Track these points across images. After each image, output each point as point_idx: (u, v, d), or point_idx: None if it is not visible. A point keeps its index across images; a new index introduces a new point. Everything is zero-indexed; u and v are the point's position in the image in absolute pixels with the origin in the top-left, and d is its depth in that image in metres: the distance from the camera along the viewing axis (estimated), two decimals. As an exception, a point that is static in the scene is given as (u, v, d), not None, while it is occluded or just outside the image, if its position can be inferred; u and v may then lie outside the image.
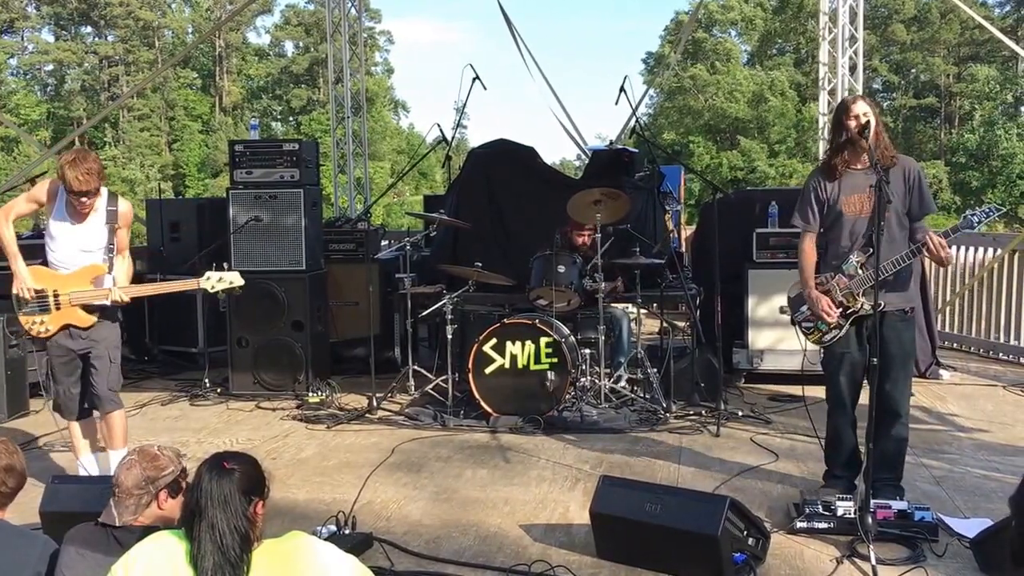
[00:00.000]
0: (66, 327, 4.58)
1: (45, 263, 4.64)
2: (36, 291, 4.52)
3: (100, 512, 2.86)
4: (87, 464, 4.81)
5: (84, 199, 4.43)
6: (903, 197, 4.19)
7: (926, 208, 4.24)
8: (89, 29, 54.54)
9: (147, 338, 8.51)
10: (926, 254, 4.09)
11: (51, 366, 4.67)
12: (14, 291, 4.56)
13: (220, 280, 4.78)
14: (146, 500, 2.82)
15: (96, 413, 4.83)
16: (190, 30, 54.62)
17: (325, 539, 3.41)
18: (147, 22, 52.77)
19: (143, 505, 2.82)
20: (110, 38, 53.86)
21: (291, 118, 53.90)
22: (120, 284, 4.63)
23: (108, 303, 4.56)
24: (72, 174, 4.34)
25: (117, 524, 2.80)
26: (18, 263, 4.55)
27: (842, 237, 4.28)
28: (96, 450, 4.89)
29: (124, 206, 4.70)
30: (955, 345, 8.68)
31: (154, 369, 8.22)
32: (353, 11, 11.73)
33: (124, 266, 4.74)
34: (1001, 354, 8.21)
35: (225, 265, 5.17)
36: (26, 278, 4.53)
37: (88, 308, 4.58)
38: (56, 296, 4.54)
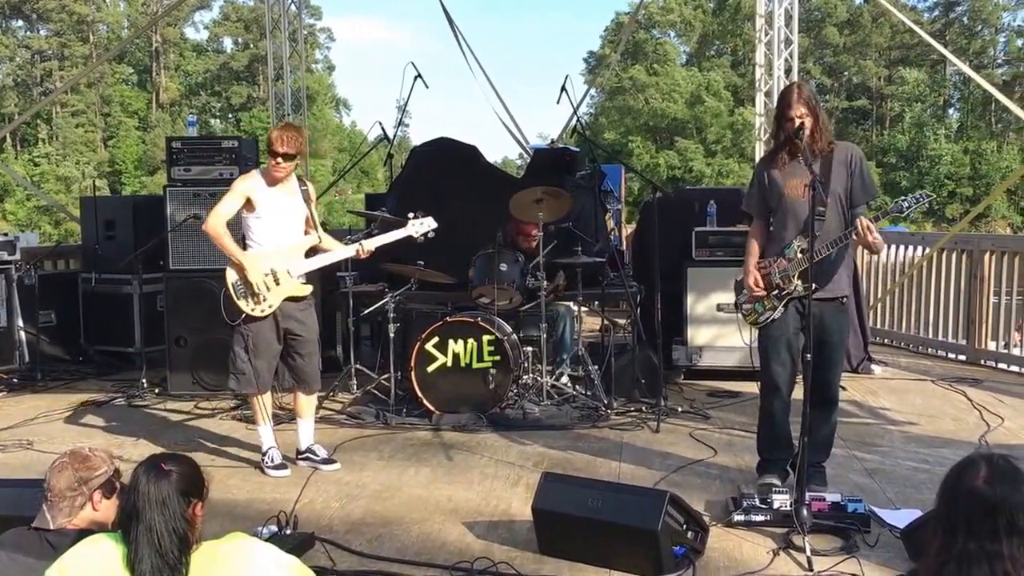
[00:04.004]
0: (285, 301, 4.95)
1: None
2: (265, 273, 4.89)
3: (33, 516, 2.80)
4: (266, 433, 5.15)
5: (282, 161, 4.87)
6: (844, 183, 4.30)
7: (868, 192, 4.39)
8: (21, 23, 53.04)
9: (82, 338, 8.32)
10: (855, 238, 4.20)
11: (254, 343, 4.94)
12: (231, 282, 4.91)
13: (422, 224, 5.27)
14: (79, 502, 2.76)
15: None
16: (126, 25, 53.40)
17: (266, 539, 3.40)
18: (81, 16, 51.50)
19: (76, 507, 2.76)
20: (43, 32, 52.49)
21: (230, 115, 53.11)
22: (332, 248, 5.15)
23: (360, 256, 5.16)
24: (276, 134, 4.87)
25: (51, 528, 2.73)
26: (245, 256, 4.91)
27: (787, 220, 4.39)
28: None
29: (311, 186, 5.22)
30: (886, 341, 8.92)
31: (89, 370, 8.03)
32: (293, 7, 11.61)
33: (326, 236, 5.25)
34: (930, 349, 8.47)
35: (420, 213, 5.38)
36: (256, 264, 4.88)
37: (304, 280, 5.05)
38: (274, 273, 4.90)
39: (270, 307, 4.93)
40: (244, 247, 5.02)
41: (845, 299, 4.44)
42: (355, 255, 5.20)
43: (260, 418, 5.15)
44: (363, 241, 5.20)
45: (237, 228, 5.11)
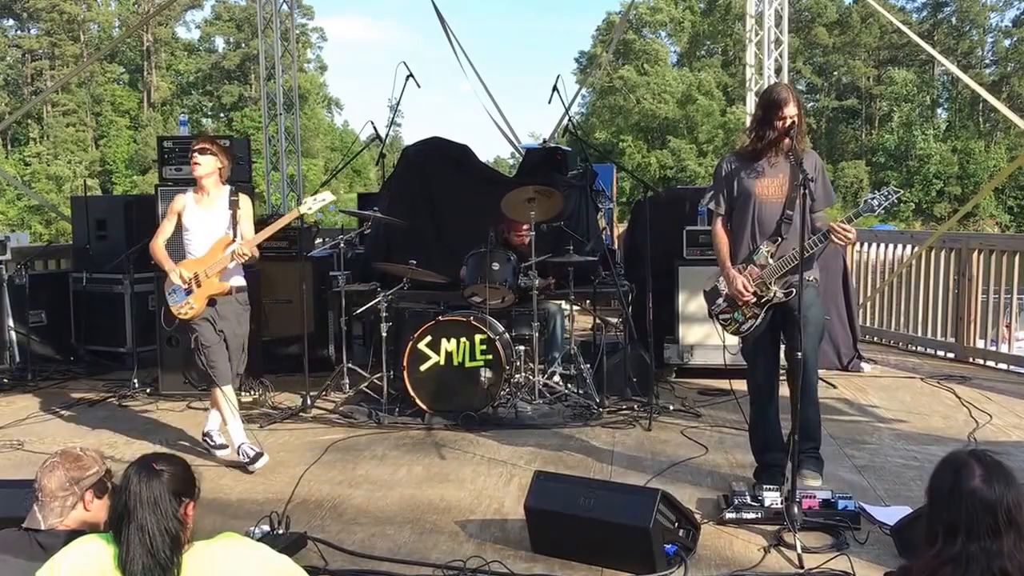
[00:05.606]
0: (210, 301, 5.17)
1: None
2: (186, 278, 5.14)
3: (23, 517, 2.78)
4: (236, 430, 5.23)
5: (196, 155, 5.15)
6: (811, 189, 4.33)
7: (829, 198, 4.46)
8: (11, 22, 52.81)
9: (73, 338, 8.29)
10: (833, 239, 4.24)
11: (199, 342, 5.19)
12: (167, 292, 5.21)
13: (316, 201, 5.36)
14: (71, 502, 2.75)
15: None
16: (117, 24, 53.21)
17: (258, 539, 3.41)
18: (72, 15, 51.26)
19: (68, 507, 2.75)
20: (34, 31, 52.28)
21: (222, 114, 52.96)
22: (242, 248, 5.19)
23: (231, 262, 5.14)
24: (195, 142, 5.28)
25: (41, 528, 2.72)
26: (172, 268, 5.19)
27: (748, 220, 4.38)
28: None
29: (244, 199, 5.32)
30: (875, 339, 8.97)
31: (80, 370, 8.00)
32: (285, 7, 11.61)
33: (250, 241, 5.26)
34: (918, 347, 8.52)
35: (321, 189, 5.51)
36: (179, 270, 5.15)
37: (221, 276, 5.19)
38: (196, 277, 5.13)
39: (191, 308, 5.17)
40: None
41: (816, 279, 4.45)
42: (237, 254, 5.14)
43: (228, 412, 5.24)
44: (236, 246, 5.14)
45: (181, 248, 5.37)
